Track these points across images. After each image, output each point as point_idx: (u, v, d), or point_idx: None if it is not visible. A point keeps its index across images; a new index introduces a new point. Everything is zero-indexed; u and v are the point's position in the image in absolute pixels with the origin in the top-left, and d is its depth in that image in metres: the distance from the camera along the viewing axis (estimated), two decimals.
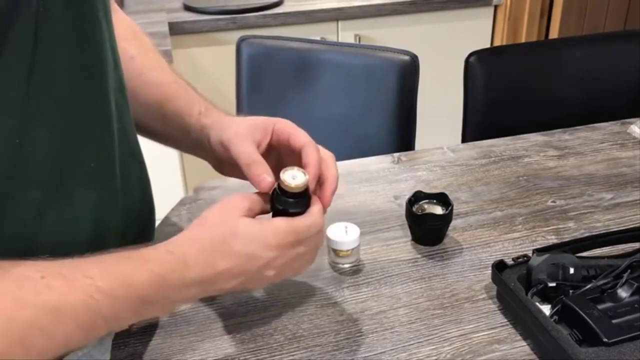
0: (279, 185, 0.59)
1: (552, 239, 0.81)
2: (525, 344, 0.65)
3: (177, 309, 0.55)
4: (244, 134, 0.64)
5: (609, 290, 0.64)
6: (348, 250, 0.76)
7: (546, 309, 0.64)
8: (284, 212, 0.59)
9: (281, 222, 0.57)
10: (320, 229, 0.59)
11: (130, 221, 0.63)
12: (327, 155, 0.65)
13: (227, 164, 0.68)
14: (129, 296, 0.49)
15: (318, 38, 1.88)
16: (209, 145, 0.69)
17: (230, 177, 0.71)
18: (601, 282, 0.65)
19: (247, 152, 0.62)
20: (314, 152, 0.62)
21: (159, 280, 0.51)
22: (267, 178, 0.59)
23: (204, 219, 0.58)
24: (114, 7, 0.78)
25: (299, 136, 0.64)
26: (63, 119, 0.52)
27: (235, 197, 0.59)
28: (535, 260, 0.66)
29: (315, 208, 0.59)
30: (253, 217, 0.58)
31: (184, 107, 0.71)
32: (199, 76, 1.90)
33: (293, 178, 0.58)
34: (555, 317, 0.63)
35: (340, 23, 2.00)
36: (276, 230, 0.56)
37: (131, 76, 0.69)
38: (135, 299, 0.50)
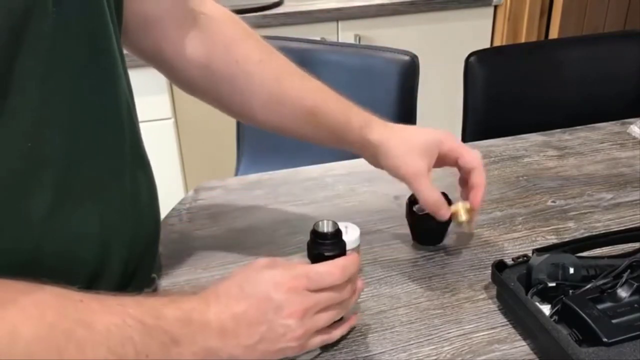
0: (313, 230, 0.62)
1: (552, 239, 0.81)
2: (525, 344, 0.65)
3: None
4: (421, 170, 0.70)
5: (609, 290, 0.64)
6: (348, 251, 0.76)
7: (546, 309, 0.64)
8: (318, 256, 0.61)
9: (294, 265, 0.57)
10: (337, 282, 0.57)
11: (137, 229, 0.62)
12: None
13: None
14: (159, 327, 0.49)
15: (318, 38, 1.88)
16: (376, 160, 0.73)
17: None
18: (601, 282, 0.65)
19: (433, 198, 0.71)
20: (482, 176, 0.71)
21: (185, 317, 0.51)
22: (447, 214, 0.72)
23: (230, 274, 0.58)
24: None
25: (469, 160, 0.72)
26: (75, 124, 0.52)
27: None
28: (535, 260, 0.66)
29: (340, 259, 0.59)
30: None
31: (341, 120, 0.72)
32: None
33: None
34: (555, 317, 0.63)
35: (340, 23, 2.00)
36: (286, 273, 0.56)
37: (267, 81, 0.70)
38: (164, 333, 0.49)
